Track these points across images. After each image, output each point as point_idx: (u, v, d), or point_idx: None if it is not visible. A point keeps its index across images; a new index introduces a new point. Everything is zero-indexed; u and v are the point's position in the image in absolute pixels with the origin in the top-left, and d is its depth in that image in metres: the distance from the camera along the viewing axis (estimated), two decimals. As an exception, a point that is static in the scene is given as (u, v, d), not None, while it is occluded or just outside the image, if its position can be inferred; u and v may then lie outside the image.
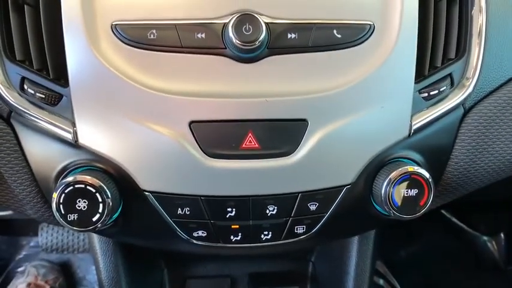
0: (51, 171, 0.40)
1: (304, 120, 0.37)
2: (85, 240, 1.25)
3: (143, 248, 0.62)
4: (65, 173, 0.38)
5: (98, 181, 0.36)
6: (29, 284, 1.00)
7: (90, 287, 1.20)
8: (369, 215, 0.43)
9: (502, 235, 1.31)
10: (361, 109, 0.38)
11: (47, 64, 0.38)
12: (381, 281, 1.07)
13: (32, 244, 1.33)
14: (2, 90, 0.38)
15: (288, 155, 0.38)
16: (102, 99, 0.37)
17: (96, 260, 0.56)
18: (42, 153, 0.40)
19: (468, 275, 1.29)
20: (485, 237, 1.31)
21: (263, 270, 0.68)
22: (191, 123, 0.37)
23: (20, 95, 0.38)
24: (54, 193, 0.36)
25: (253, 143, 0.37)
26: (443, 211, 1.37)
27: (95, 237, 0.55)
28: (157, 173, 0.38)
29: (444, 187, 0.45)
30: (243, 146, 0.37)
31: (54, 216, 0.41)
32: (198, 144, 0.37)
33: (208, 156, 0.37)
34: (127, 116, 0.37)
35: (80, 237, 1.24)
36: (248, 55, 0.36)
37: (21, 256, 1.30)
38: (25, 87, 0.38)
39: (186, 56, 0.37)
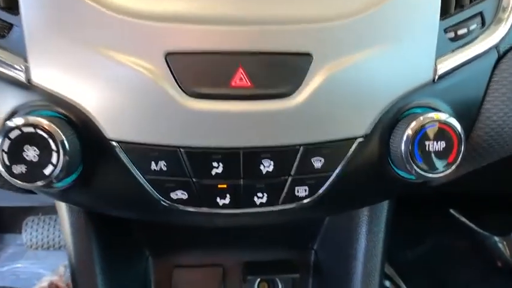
0: None
1: (308, 54, 0.31)
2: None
3: (123, 230, 0.55)
4: (14, 117, 0.31)
5: (52, 126, 0.29)
6: (51, 283, 0.95)
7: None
8: (385, 178, 0.35)
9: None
10: (376, 44, 0.32)
11: None
12: (387, 283, 1.01)
13: (18, 242, 1.27)
14: None
15: (287, 97, 0.31)
16: (59, 27, 0.30)
17: (66, 240, 0.49)
18: None
19: (478, 277, 1.23)
20: (496, 238, 1.25)
21: (259, 259, 0.60)
22: (167, 54, 0.30)
23: None
24: None
25: (244, 81, 0.30)
26: (452, 210, 1.31)
27: (64, 211, 0.47)
28: (126, 118, 0.31)
29: (473, 146, 0.38)
30: (232, 83, 0.30)
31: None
32: (176, 81, 0.30)
33: (189, 95, 0.30)
34: (88, 46, 0.30)
35: (66, 233, 1.18)
36: None
37: (7, 254, 1.25)
38: None
39: None
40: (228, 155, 0.32)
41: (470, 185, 0.57)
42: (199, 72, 0.30)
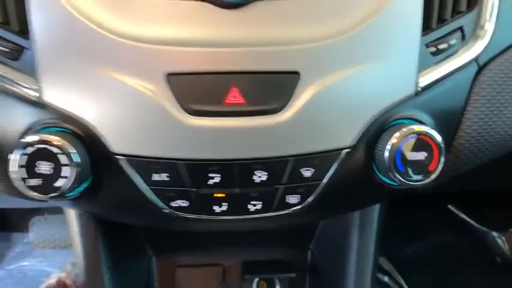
0: (13, 134, 0.35)
1: (296, 72, 0.33)
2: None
3: (128, 232, 0.57)
4: (27, 135, 0.34)
5: (64, 141, 0.32)
6: (59, 280, 0.99)
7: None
8: (371, 185, 0.38)
9: (511, 230, 1.26)
10: (360, 61, 0.34)
11: (11, 17, 0.34)
12: (386, 278, 1.03)
13: (25, 240, 1.31)
14: None
15: (277, 112, 0.33)
16: (68, 50, 0.33)
17: (73, 242, 0.51)
18: (5, 114, 0.36)
19: (477, 273, 1.25)
20: (495, 233, 1.26)
21: (258, 259, 0.63)
22: (168, 75, 0.32)
23: None
24: (11, 154, 0.32)
25: (237, 98, 0.33)
26: (450, 206, 1.33)
27: (73, 215, 0.50)
28: (130, 134, 0.34)
29: (455, 154, 0.40)
30: (226, 101, 0.33)
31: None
32: (176, 99, 0.33)
33: (187, 112, 0.33)
34: (95, 68, 0.33)
35: (72, 232, 1.21)
36: (232, 0, 0.32)
37: (14, 253, 1.28)
38: None
39: (164, 1, 0.32)
40: (224, 167, 0.34)
41: (468, 181, 0.59)
42: (196, 91, 0.33)
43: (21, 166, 0.32)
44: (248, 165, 0.35)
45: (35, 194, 0.32)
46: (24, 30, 0.34)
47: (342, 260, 0.56)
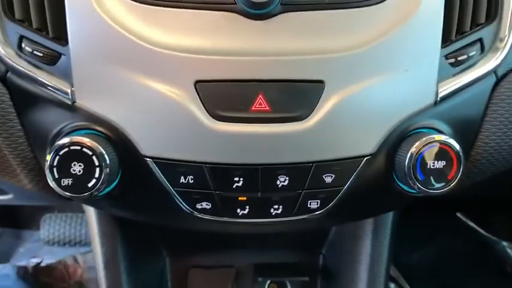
0: (46, 134, 0.37)
1: (321, 81, 0.34)
2: (87, 234, 1.24)
3: (143, 233, 0.59)
4: (61, 136, 0.36)
5: (95, 143, 0.33)
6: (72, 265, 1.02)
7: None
8: (390, 192, 0.39)
9: None
10: (382, 72, 0.35)
11: (47, 23, 0.36)
12: (393, 286, 1.03)
13: (35, 237, 1.32)
14: (0, 49, 0.36)
15: (301, 120, 0.34)
16: (103, 57, 0.34)
17: (93, 241, 0.53)
18: (38, 115, 0.37)
19: (486, 282, 1.24)
20: (504, 243, 1.25)
21: (270, 261, 0.64)
22: (196, 82, 0.34)
23: (17, 54, 0.36)
24: (47, 155, 0.34)
25: (263, 106, 0.34)
26: (459, 214, 1.32)
27: (93, 216, 0.52)
28: (159, 137, 0.35)
29: (473, 164, 0.41)
30: (253, 108, 0.34)
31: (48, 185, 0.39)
32: (204, 106, 0.34)
33: (215, 118, 0.34)
34: (128, 74, 0.34)
35: (82, 231, 1.24)
36: (259, 11, 0.33)
37: (24, 249, 1.30)
38: (23, 45, 0.36)
39: (193, 11, 0.34)
40: (248, 171, 0.36)
41: (477, 188, 0.59)
42: (223, 98, 0.34)
43: (55, 166, 0.33)
44: (271, 170, 0.36)
45: (68, 193, 0.34)
46: (60, 37, 0.36)
47: (355, 265, 0.56)
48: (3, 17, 0.36)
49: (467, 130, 0.40)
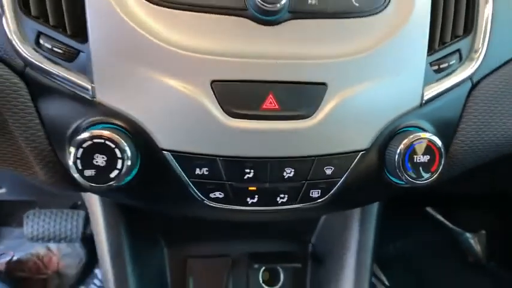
0: (65, 128, 0.39)
1: (324, 84, 0.38)
2: (72, 229, 1.23)
3: (144, 225, 0.61)
4: (81, 130, 0.38)
5: (117, 137, 0.36)
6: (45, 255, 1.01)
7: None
8: (381, 183, 0.44)
9: (483, 232, 1.36)
10: (377, 76, 0.39)
11: (64, 21, 0.37)
12: None
13: (15, 234, 1.30)
14: (17, 43, 0.37)
15: (307, 118, 0.38)
16: (122, 55, 0.37)
17: (98, 234, 0.55)
18: (57, 109, 0.39)
19: (452, 271, 1.34)
20: (468, 234, 1.35)
21: (263, 250, 0.68)
22: (212, 82, 0.37)
23: (35, 49, 0.38)
24: (71, 147, 0.36)
25: (273, 104, 0.38)
26: (428, 209, 1.42)
27: (98, 208, 0.54)
28: (177, 132, 0.38)
29: (451, 159, 0.46)
30: (264, 106, 0.38)
31: (65, 177, 0.41)
32: (219, 103, 0.37)
33: (229, 115, 0.37)
34: (147, 73, 0.37)
35: (67, 226, 1.23)
36: (269, 17, 0.37)
37: (3, 246, 1.27)
38: (41, 41, 0.38)
39: (209, 16, 0.37)
40: (258, 164, 0.39)
41: (447, 185, 0.65)
42: (237, 96, 0.37)
43: (79, 158, 0.36)
44: (279, 163, 0.39)
45: (91, 184, 0.36)
46: (78, 34, 0.38)
47: (343, 251, 0.61)
48: (20, 13, 0.37)
49: (447, 129, 0.45)
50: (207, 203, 0.41)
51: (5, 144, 0.42)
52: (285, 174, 0.40)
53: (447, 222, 1.38)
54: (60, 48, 0.38)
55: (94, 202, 0.54)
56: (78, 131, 0.38)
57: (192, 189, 0.40)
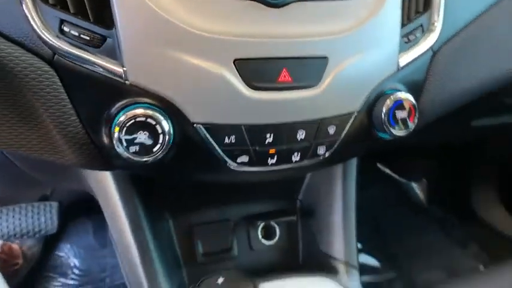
0: (100, 111, 0.42)
1: (325, 57, 0.45)
2: (47, 222, 1.21)
3: (152, 199, 0.65)
4: (117, 111, 0.41)
5: (156, 114, 0.40)
6: (3, 244, 0.98)
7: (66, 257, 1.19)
8: (370, 138, 0.53)
9: (425, 180, 1.58)
10: (365, 49, 0.48)
11: (83, 8, 0.39)
12: None
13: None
14: (43, 33, 0.39)
15: (313, 87, 0.46)
16: (152, 41, 0.40)
17: (114, 209, 0.57)
18: (90, 94, 0.41)
19: (403, 217, 1.54)
20: (413, 184, 1.56)
21: (258, 211, 0.76)
22: (235, 60, 0.42)
23: (59, 37, 0.39)
24: (116, 127, 0.39)
25: (287, 77, 0.44)
26: (378, 164, 1.60)
27: (112, 184, 0.56)
28: (206, 106, 0.43)
29: (421, 111, 0.57)
30: (279, 79, 0.44)
31: (97, 157, 0.44)
32: (242, 79, 0.43)
33: (251, 88, 0.43)
34: (176, 54, 0.41)
35: (40, 219, 1.20)
36: (276, 1, 0.43)
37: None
38: (65, 29, 0.39)
39: (224, 1, 0.42)
40: (276, 129, 0.46)
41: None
42: (257, 72, 0.43)
43: (123, 137, 0.40)
44: (293, 127, 0.47)
45: (136, 159, 0.40)
46: (101, 20, 0.40)
47: (330, 203, 0.71)
48: (38, 1, 0.39)
49: (417, 89, 0.55)
50: (234, 167, 0.47)
51: (31, 131, 0.43)
52: (298, 136, 0.47)
53: (394, 175, 1.58)
54: (87, 35, 0.40)
55: (106, 181, 0.57)
56: (114, 112, 0.41)
57: (221, 156, 0.45)
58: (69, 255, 1.32)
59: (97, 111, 0.42)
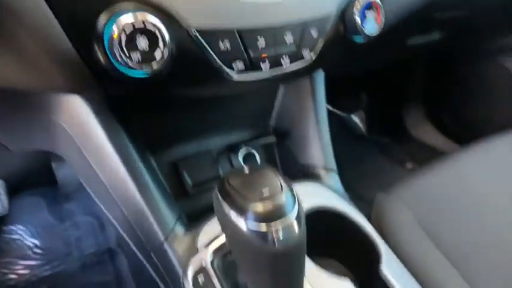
0: (91, 24, 0.39)
1: None
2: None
3: (134, 134, 0.63)
4: (112, 20, 0.39)
5: (156, 19, 0.39)
6: None
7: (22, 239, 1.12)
8: (347, 43, 0.57)
9: (362, 111, 1.73)
10: None
11: None
12: None
13: None
14: None
15: None
16: None
17: (99, 145, 0.54)
18: (76, 6, 0.38)
19: (347, 145, 1.68)
20: (352, 115, 1.70)
21: (235, 140, 0.78)
22: None
23: None
24: (114, 34, 0.37)
25: None
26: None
27: (94, 119, 0.53)
28: (201, 11, 0.43)
29: (386, 13, 0.62)
30: None
31: (88, 77, 0.42)
32: None
33: None
34: None
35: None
36: None
37: None
38: None
39: None
40: (266, 32, 0.48)
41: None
42: None
43: (123, 44, 0.38)
44: (281, 30, 0.49)
45: (140, 65, 0.39)
46: None
47: (303, 118, 0.75)
48: None
49: None
50: (230, 74, 0.48)
51: (16, 62, 0.39)
52: (286, 40, 0.50)
53: (336, 110, 1.70)
54: None
55: (85, 114, 0.52)
56: (108, 22, 0.39)
57: (217, 62, 0.46)
58: (25, 236, 1.23)
59: (87, 24, 0.39)
